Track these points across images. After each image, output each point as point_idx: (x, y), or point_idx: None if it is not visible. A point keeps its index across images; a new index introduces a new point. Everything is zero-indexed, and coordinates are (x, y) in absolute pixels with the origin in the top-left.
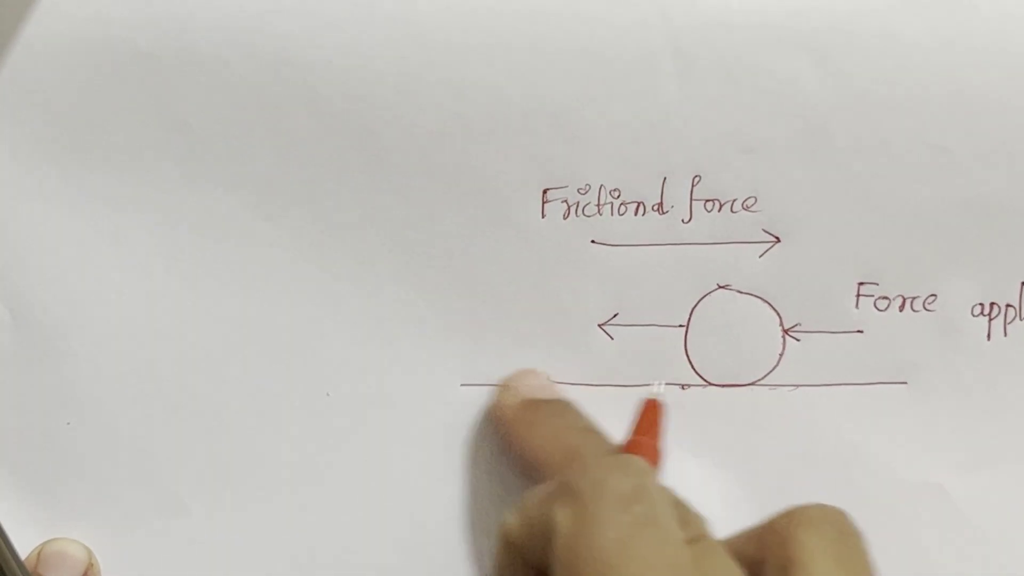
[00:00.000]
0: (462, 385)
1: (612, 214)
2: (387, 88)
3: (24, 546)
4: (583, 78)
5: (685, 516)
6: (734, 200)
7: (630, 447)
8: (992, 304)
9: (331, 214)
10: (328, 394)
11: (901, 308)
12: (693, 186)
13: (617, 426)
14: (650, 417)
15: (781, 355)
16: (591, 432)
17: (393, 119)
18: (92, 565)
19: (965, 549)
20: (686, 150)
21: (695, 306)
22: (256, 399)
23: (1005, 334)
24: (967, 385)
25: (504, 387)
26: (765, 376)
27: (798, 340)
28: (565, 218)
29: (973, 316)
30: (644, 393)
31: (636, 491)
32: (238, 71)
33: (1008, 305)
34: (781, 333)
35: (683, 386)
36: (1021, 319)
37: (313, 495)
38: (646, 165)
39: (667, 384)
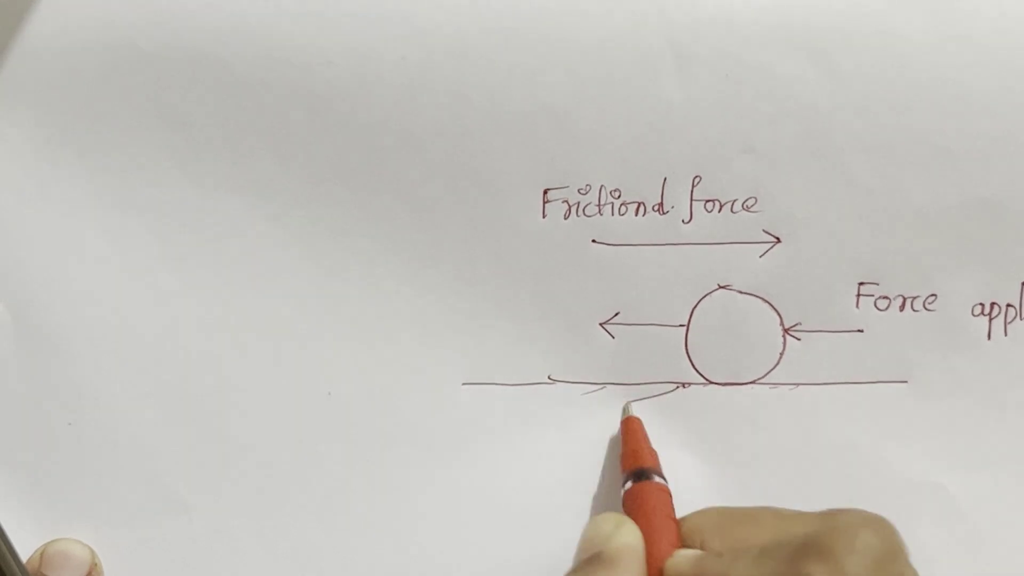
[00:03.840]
0: (463, 384)
1: (613, 214)
2: (387, 88)
3: (26, 546)
4: (583, 78)
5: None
6: (734, 200)
7: (636, 456)
8: (992, 304)
9: (331, 214)
10: (329, 394)
11: (901, 308)
12: (693, 186)
13: (619, 423)
14: (635, 430)
15: (781, 354)
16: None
17: (393, 119)
18: (95, 565)
19: (965, 547)
20: (686, 150)
21: (696, 305)
22: (257, 399)
23: (1005, 333)
24: (967, 384)
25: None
26: (765, 375)
27: (799, 339)
28: (566, 218)
29: (973, 316)
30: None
31: (891, 550)
32: (238, 71)
33: (1008, 305)
34: (781, 332)
35: (683, 385)
36: (1021, 319)
37: (314, 494)
38: (646, 165)
39: (668, 383)
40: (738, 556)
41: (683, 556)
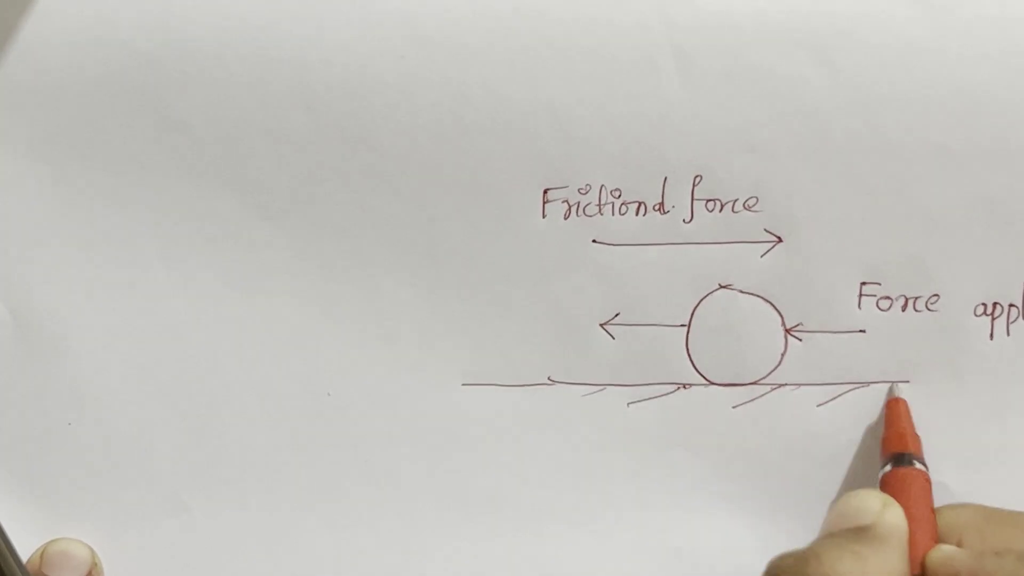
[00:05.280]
0: (463, 385)
1: (613, 214)
2: (387, 88)
3: (26, 546)
4: (583, 78)
5: None
6: (735, 200)
7: (900, 439)
8: (995, 304)
9: (331, 214)
10: (329, 394)
11: (903, 308)
12: (694, 186)
13: (620, 424)
14: (901, 412)
15: (783, 354)
16: None
17: (393, 119)
18: (95, 564)
19: None
20: (687, 150)
21: (696, 306)
22: (256, 399)
23: (1008, 333)
24: (969, 384)
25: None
26: (767, 375)
27: (800, 340)
28: (566, 218)
29: (975, 316)
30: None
31: None
32: (237, 71)
33: (1011, 305)
34: (783, 332)
35: (684, 385)
36: (1023, 318)
37: (313, 495)
38: (647, 165)
39: (668, 383)
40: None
41: (952, 552)
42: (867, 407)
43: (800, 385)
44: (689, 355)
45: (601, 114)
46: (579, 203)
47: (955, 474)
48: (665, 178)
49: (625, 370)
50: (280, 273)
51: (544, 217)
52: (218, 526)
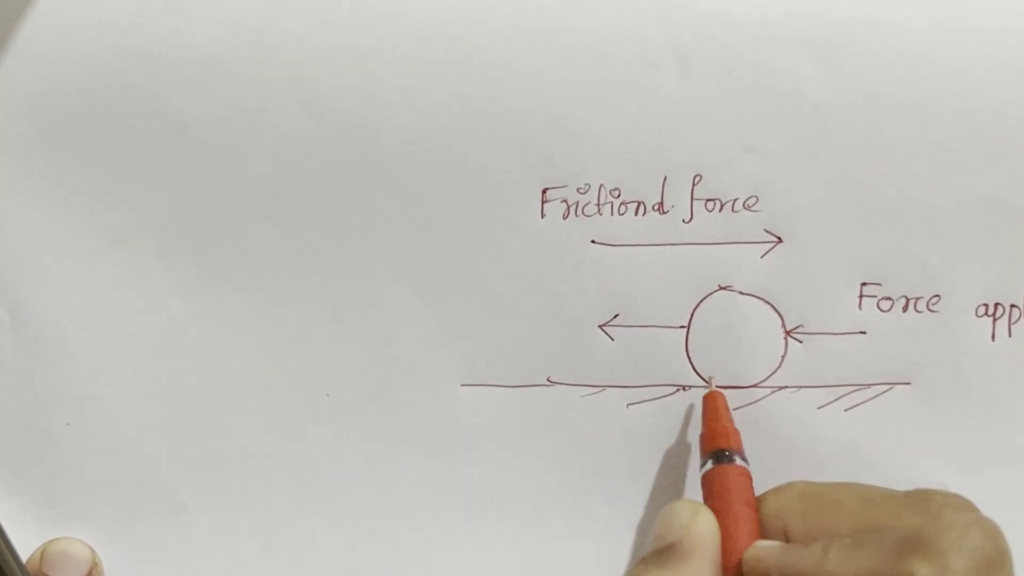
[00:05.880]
0: (462, 385)
1: (612, 214)
2: (387, 88)
3: (26, 546)
4: (583, 78)
5: None
6: (735, 200)
7: (719, 435)
8: (996, 305)
9: (330, 214)
10: (328, 394)
11: (904, 309)
12: (694, 186)
13: (620, 424)
14: (719, 407)
15: (783, 356)
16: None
17: (393, 119)
18: (95, 564)
19: None
20: (687, 149)
21: (696, 307)
22: (256, 399)
23: (1009, 335)
24: (971, 385)
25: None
26: (767, 378)
27: (800, 341)
28: (565, 218)
29: (977, 317)
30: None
31: (999, 554)
32: (237, 71)
33: (1012, 306)
34: (783, 334)
35: (684, 387)
36: None
37: (313, 495)
38: (646, 165)
39: (668, 385)
40: (828, 548)
41: (765, 548)
42: (868, 408)
43: (801, 387)
44: (689, 357)
45: (601, 114)
46: (578, 203)
47: (956, 476)
48: (665, 178)
49: (624, 371)
50: (279, 273)
51: (543, 217)
52: (218, 526)
